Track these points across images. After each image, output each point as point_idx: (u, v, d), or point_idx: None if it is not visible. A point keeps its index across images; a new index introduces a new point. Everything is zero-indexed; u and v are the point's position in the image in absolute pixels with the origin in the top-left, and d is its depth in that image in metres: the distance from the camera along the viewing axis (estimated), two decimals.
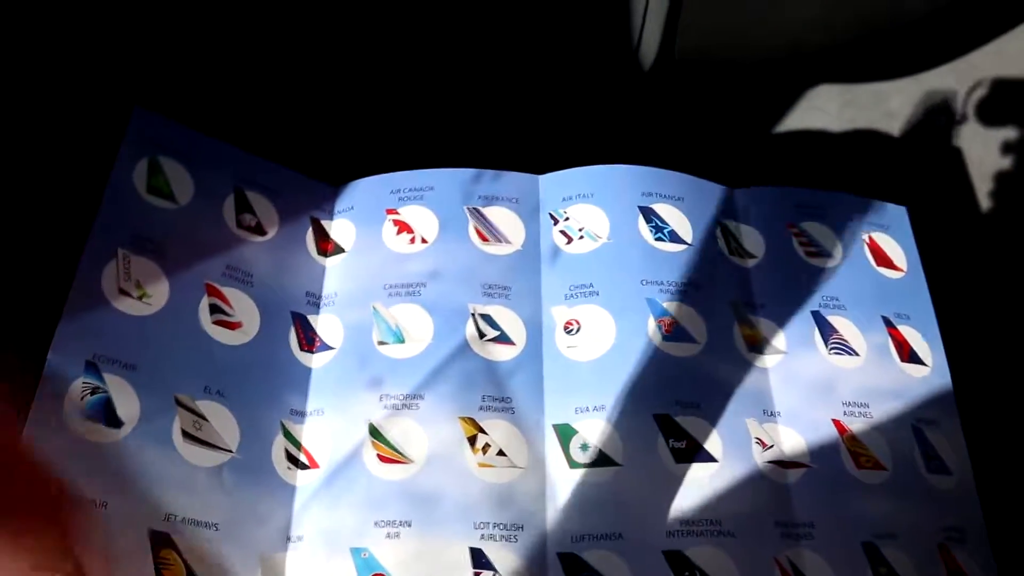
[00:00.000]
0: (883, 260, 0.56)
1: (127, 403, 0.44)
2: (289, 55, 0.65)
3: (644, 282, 0.52)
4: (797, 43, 0.68)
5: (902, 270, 0.56)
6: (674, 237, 0.53)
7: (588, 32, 0.67)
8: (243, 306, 0.50)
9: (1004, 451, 0.54)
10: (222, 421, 0.47)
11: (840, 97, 0.73)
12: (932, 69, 0.73)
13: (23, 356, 0.44)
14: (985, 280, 0.62)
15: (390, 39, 0.66)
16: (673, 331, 0.50)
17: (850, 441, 0.50)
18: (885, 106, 0.72)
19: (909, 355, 0.53)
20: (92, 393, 0.44)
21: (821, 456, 0.49)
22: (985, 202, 0.67)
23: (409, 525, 0.45)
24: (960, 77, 0.73)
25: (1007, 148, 0.68)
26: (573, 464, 0.47)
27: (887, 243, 0.56)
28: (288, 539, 0.46)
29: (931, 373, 0.53)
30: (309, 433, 0.49)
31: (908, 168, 0.69)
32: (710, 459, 0.47)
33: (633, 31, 0.64)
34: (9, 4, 0.55)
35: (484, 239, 0.53)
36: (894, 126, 0.71)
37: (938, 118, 0.71)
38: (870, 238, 0.56)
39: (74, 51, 0.57)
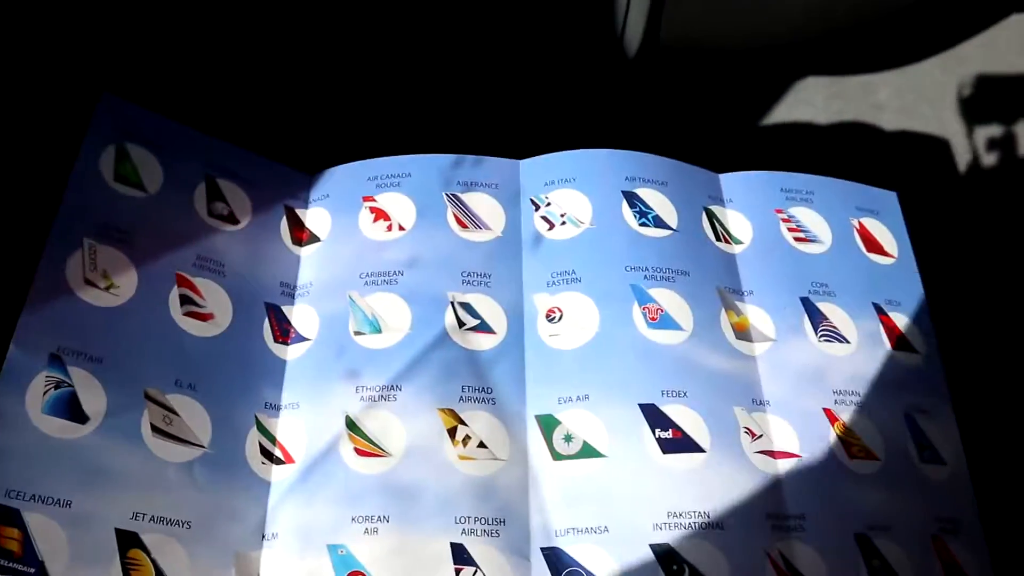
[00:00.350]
0: (873, 246, 0.55)
1: (93, 397, 0.43)
2: (262, 41, 0.64)
3: (628, 268, 0.50)
4: (782, 31, 0.67)
5: (893, 256, 0.55)
6: (658, 222, 0.52)
7: (572, 17, 0.66)
8: (215, 297, 0.49)
9: (997, 439, 0.53)
10: (193, 415, 0.45)
11: (827, 89, 0.72)
12: (920, 61, 0.73)
13: None
14: (976, 267, 0.61)
15: (366, 24, 0.66)
16: (659, 318, 0.49)
17: (841, 430, 0.48)
18: (872, 98, 0.72)
19: (900, 342, 0.52)
20: (56, 387, 0.42)
21: (812, 446, 0.48)
22: (974, 191, 0.66)
23: (387, 520, 0.44)
24: (947, 69, 0.72)
25: (994, 137, 0.68)
26: (557, 456, 0.46)
27: (877, 229, 0.55)
28: (263, 537, 0.45)
29: (923, 361, 0.52)
30: (284, 427, 0.47)
31: (896, 159, 0.69)
32: (697, 449, 0.46)
33: (618, 17, 0.63)
34: None
35: (463, 226, 0.52)
36: (881, 118, 0.71)
37: (925, 109, 0.71)
38: (860, 224, 0.55)
39: (41, 35, 0.55)
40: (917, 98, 0.71)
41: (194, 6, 0.61)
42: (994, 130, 0.68)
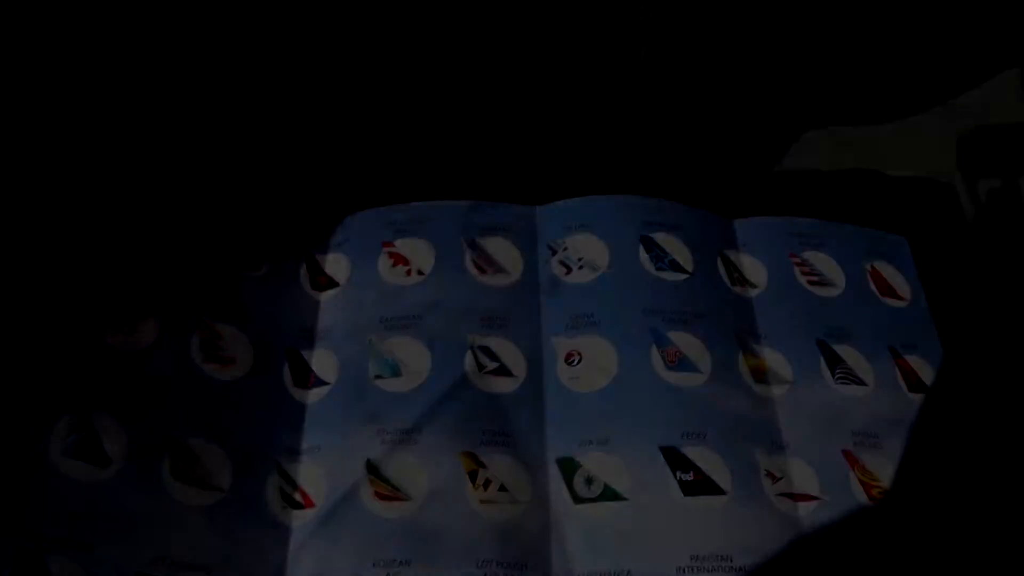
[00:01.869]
0: (886, 289, 0.55)
1: (115, 441, 0.43)
2: (280, 88, 0.64)
3: (646, 312, 0.51)
4: None
5: (905, 299, 0.55)
6: (675, 266, 0.53)
7: (584, 65, 0.67)
8: (235, 342, 0.49)
9: (1013, 479, 0.53)
10: (214, 459, 0.45)
11: (829, 139, 0.73)
12: (922, 113, 0.74)
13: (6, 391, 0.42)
14: (985, 309, 0.62)
15: (383, 72, 0.67)
16: (677, 361, 0.49)
17: (861, 472, 0.48)
18: (874, 148, 0.73)
19: (917, 385, 0.52)
20: (78, 431, 0.42)
21: (832, 488, 0.48)
22: (979, 237, 0.67)
23: (409, 564, 0.43)
24: (947, 119, 0.73)
25: (995, 186, 0.69)
26: (578, 499, 0.46)
27: (890, 272, 0.56)
28: None
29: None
30: (305, 471, 0.47)
31: (900, 207, 0.69)
32: (719, 491, 0.46)
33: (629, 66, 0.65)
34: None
35: (482, 270, 0.52)
36: (884, 167, 0.71)
37: (927, 159, 0.72)
38: (872, 267, 0.56)
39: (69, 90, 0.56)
40: (918, 148, 0.72)
41: (213, 59, 0.62)
42: (994, 179, 0.69)
